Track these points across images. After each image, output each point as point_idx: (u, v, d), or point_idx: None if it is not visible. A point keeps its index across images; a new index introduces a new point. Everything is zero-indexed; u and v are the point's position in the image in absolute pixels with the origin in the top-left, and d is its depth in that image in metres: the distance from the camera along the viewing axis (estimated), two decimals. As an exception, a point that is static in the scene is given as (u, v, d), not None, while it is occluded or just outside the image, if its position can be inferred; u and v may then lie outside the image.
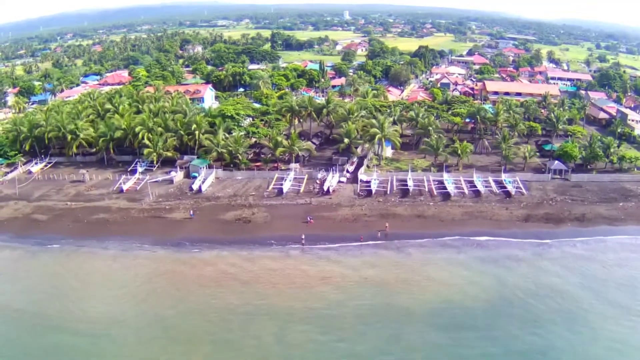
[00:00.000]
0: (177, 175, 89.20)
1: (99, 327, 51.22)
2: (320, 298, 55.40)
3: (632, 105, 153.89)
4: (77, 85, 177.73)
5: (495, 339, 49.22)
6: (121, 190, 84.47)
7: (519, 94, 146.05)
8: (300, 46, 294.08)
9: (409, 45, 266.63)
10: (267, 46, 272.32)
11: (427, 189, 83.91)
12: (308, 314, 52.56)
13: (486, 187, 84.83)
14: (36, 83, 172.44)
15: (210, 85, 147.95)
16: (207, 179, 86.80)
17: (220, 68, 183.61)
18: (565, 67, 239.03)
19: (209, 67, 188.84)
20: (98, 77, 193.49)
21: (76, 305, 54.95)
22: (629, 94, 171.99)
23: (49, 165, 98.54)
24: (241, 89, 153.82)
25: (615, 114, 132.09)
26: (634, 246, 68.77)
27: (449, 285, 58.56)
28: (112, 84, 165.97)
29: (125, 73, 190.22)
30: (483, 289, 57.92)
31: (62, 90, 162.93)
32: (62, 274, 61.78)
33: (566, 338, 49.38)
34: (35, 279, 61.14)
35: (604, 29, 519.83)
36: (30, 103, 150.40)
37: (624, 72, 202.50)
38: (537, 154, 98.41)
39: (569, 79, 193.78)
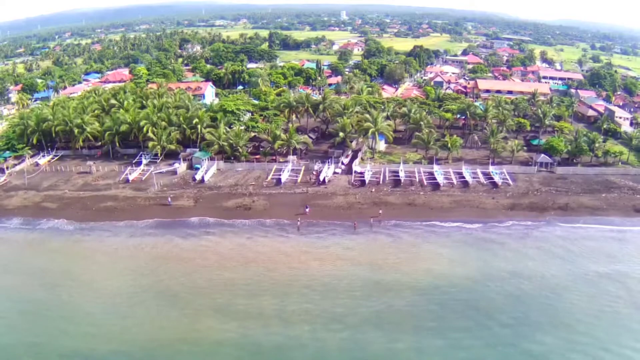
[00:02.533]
0: (181, 167, 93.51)
1: (109, 303, 55.25)
2: (317, 276, 59.59)
3: (621, 104, 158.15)
4: (79, 82, 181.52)
5: (478, 314, 53.26)
6: (127, 181, 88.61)
7: (510, 92, 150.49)
8: (297, 46, 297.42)
9: (405, 45, 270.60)
10: (265, 46, 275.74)
11: (417, 180, 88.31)
12: (305, 289, 56.86)
13: (474, 178, 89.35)
14: (38, 80, 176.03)
15: (210, 83, 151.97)
16: (209, 170, 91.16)
17: (219, 67, 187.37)
18: (559, 67, 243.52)
19: (209, 66, 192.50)
20: (99, 75, 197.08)
21: (86, 284, 58.88)
22: (619, 92, 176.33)
23: (56, 158, 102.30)
24: (240, 87, 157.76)
25: (603, 111, 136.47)
26: (614, 233, 72.39)
27: (437, 266, 62.53)
28: (114, 82, 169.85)
29: (126, 71, 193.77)
30: (468, 270, 61.80)
31: (64, 88, 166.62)
32: (72, 256, 65.74)
33: (546, 315, 53.30)
34: (47, 261, 64.80)
35: (601, 29, 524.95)
36: (33, 100, 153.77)
37: (615, 71, 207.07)
38: (525, 148, 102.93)
39: (560, 78, 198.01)
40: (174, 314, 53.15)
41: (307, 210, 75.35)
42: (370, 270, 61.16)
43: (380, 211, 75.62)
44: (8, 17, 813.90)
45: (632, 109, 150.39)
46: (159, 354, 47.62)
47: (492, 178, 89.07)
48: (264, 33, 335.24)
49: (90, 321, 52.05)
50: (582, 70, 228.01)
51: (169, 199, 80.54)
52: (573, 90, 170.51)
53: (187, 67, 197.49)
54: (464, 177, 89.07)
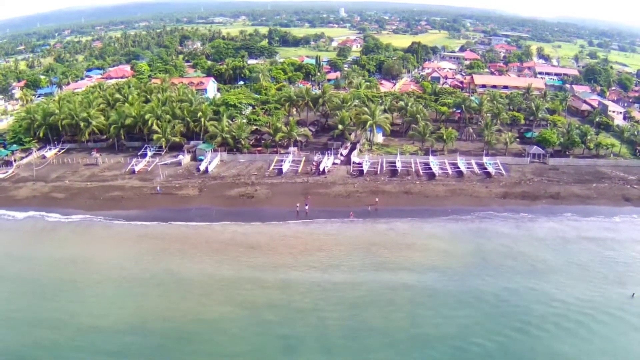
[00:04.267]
0: (185, 158, 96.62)
1: (120, 283, 58.33)
2: (317, 259, 62.74)
3: (616, 98, 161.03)
4: (82, 79, 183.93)
5: (469, 290, 56.65)
6: (133, 172, 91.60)
7: (505, 87, 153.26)
8: (296, 42, 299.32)
9: (403, 42, 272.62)
10: (265, 42, 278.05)
11: (414, 170, 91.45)
12: (306, 271, 60.05)
13: (468, 168, 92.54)
14: (41, 77, 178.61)
15: (212, 78, 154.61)
16: (212, 161, 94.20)
17: (220, 63, 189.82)
18: (555, 63, 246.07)
19: (209, 62, 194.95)
20: (101, 72, 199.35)
21: (97, 267, 61.89)
22: (613, 87, 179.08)
23: (62, 151, 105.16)
24: (241, 82, 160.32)
25: (597, 105, 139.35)
26: (603, 220, 75.36)
27: (432, 249, 65.68)
28: (116, 78, 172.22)
29: (127, 67, 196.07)
30: (461, 253, 65.03)
31: (68, 83, 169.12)
32: (82, 242, 68.49)
33: (532, 292, 56.54)
34: (58, 246, 67.72)
35: (599, 27, 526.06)
36: (36, 96, 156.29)
37: (611, 67, 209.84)
38: (518, 139, 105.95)
39: (556, 74, 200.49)
40: (183, 292, 56.28)
41: (307, 207, 76.49)
42: (368, 256, 64.05)
43: (377, 199, 78.68)
44: (6, 15, 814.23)
45: (625, 104, 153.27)
46: (170, 327, 50.65)
47: (485, 168, 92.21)
48: (264, 30, 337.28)
49: (104, 300, 55.14)
50: (578, 66, 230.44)
51: (158, 187, 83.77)
52: (568, 86, 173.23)
53: (188, 64, 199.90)
54: (458, 168, 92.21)
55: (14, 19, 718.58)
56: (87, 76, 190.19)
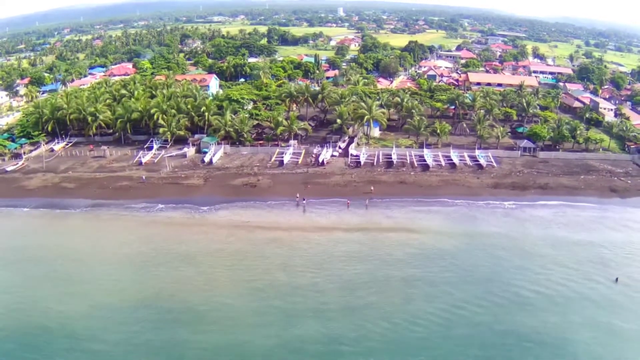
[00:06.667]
0: (190, 151, 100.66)
1: (134, 264, 62.07)
2: (316, 243, 66.82)
3: (608, 96, 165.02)
4: (85, 76, 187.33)
5: (460, 269, 60.70)
6: (140, 163, 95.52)
7: (500, 85, 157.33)
8: (295, 41, 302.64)
9: (401, 41, 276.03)
10: (264, 41, 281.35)
11: (408, 162, 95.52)
12: (306, 253, 64.16)
13: (461, 160, 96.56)
14: (45, 74, 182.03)
15: (214, 75, 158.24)
16: (216, 153, 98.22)
17: (221, 61, 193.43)
18: (551, 62, 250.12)
19: (210, 60, 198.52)
20: (104, 69, 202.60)
21: (109, 249, 65.78)
22: (606, 86, 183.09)
23: (70, 145, 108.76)
24: (242, 79, 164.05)
25: (588, 102, 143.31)
26: (589, 209, 79.28)
27: (424, 233, 69.71)
28: (118, 75, 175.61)
29: (129, 65, 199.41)
30: (452, 236, 69.11)
31: (72, 80, 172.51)
32: (93, 227, 72.41)
33: (519, 271, 60.57)
34: (70, 231, 71.58)
35: (597, 27, 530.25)
36: (41, 92, 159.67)
37: (605, 66, 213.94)
38: (509, 134, 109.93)
39: (550, 73, 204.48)
40: (190, 272, 60.05)
41: (305, 201, 78.71)
42: (364, 240, 68.14)
43: (372, 188, 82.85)
44: (5, 14, 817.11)
45: (617, 101, 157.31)
46: (178, 305, 54.11)
47: (477, 160, 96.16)
48: (263, 29, 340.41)
49: (115, 279, 58.69)
50: (573, 66, 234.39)
51: (143, 177, 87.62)
52: (561, 84, 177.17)
53: (190, 62, 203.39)
54: (451, 160, 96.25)
55: (13, 17, 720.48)
56: (90, 74, 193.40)
